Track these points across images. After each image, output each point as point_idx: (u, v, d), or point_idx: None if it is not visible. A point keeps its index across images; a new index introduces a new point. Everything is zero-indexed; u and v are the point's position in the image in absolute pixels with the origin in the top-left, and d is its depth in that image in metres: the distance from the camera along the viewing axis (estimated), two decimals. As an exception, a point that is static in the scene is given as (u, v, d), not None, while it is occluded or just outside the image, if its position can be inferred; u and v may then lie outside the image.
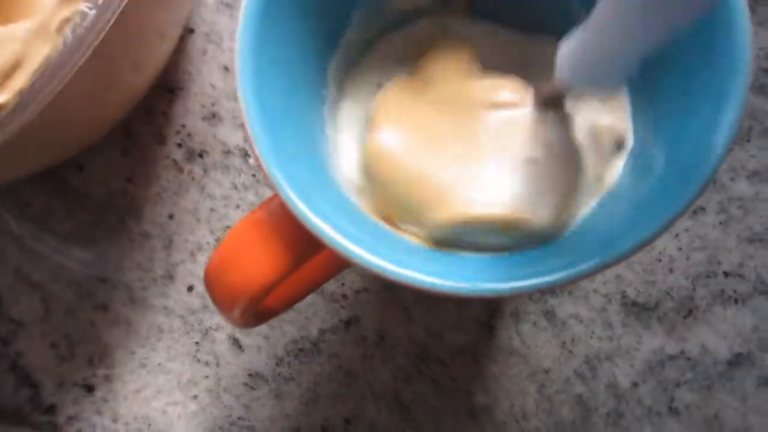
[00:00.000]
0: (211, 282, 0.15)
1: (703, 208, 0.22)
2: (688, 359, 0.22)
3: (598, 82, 0.13)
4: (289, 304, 0.17)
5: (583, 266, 0.12)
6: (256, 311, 0.15)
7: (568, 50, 0.13)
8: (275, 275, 0.14)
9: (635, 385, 0.22)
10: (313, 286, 0.17)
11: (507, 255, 0.14)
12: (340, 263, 0.16)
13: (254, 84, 0.13)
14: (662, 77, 0.14)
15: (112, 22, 0.17)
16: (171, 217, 0.24)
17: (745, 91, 0.12)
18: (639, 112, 0.15)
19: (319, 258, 0.15)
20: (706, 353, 0.22)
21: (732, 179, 0.22)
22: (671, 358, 0.22)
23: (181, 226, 0.24)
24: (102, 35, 0.17)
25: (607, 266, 0.12)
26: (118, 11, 0.17)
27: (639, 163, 0.15)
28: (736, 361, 0.21)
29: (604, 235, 0.13)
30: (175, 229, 0.24)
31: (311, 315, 0.23)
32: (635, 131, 0.15)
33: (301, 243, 0.13)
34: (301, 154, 0.14)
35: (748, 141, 0.22)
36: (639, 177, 0.14)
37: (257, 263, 0.14)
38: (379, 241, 0.14)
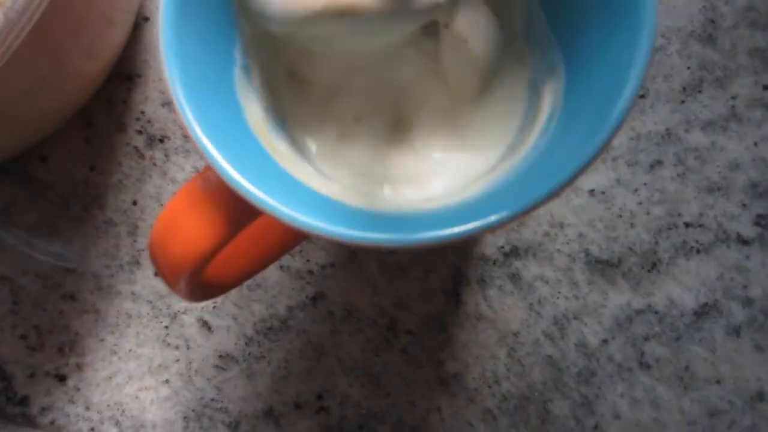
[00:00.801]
0: (153, 256, 0.15)
1: (660, 161, 0.22)
2: (656, 313, 0.22)
3: None
4: (241, 277, 0.17)
5: (489, 219, 0.12)
6: (202, 282, 0.15)
7: None
8: (213, 242, 0.14)
9: (605, 342, 0.22)
10: (266, 259, 0.17)
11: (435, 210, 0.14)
12: (283, 232, 0.16)
13: (177, 57, 0.13)
14: (572, 39, 0.15)
15: (44, 4, 0.17)
16: (135, 203, 0.24)
17: (643, 65, 0.12)
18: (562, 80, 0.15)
19: (265, 227, 0.15)
20: (672, 306, 0.22)
21: (687, 131, 0.22)
22: (638, 312, 0.22)
23: (145, 212, 0.24)
24: (35, 18, 0.17)
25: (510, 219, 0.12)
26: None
27: (555, 127, 0.15)
28: (703, 311, 0.21)
29: (515, 189, 0.13)
30: (139, 215, 0.24)
31: (278, 293, 0.23)
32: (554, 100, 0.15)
33: (237, 209, 0.13)
34: (223, 116, 0.14)
35: (700, 92, 0.22)
36: (552, 139, 0.14)
37: (194, 232, 0.14)
38: (307, 201, 0.14)
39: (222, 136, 0.14)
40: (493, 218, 0.12)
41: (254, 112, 0.15)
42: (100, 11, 0.21)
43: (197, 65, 0.14)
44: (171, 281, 0.15)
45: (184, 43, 0.14)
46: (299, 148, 0.17)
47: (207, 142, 0.13)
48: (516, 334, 0.22)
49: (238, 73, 0.16)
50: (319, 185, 0.15)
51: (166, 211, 0.15)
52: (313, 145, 0.17)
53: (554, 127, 0.14)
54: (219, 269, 0.16)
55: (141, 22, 0.25)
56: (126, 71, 0.25)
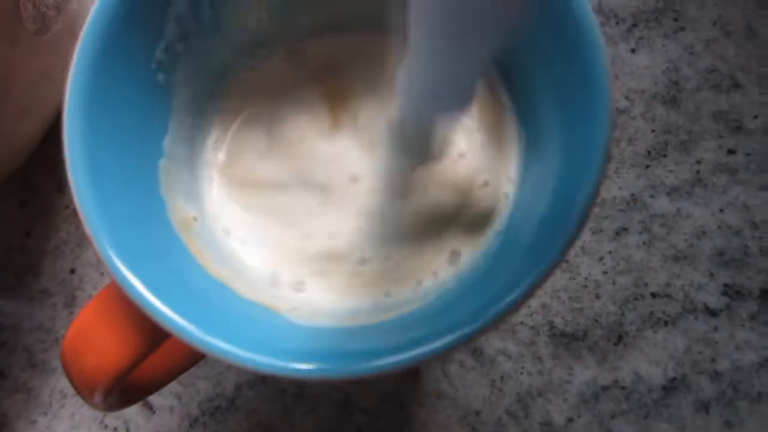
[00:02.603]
0: (65, 367, 0.13)
1: (625, 229, 0.21)
2: (623, 388, 0.21)
3: (435, 108, 0.13)
4: (165, 382, 0.15)
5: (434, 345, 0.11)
6: (121, 394, 0.14)
7: (402, 80, 0.12)
8: (129, 360, 0.12)
9: (570, 420, 0.21)
10: (192, 361, 0.16)
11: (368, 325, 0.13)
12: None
13: (84, 147, 0.12)
14: (533, 136, 0.14)
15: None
16: (73, 271, 0.22)
17: (602, 155, 0.11)
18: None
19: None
20: (639, 381, 0.21)
21: (652, 196, 0.21)
22: (605, 389, 0.21)
23: (83, 281, 0.22)
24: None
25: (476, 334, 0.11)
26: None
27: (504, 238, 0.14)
28: (671, 386, 0.21)
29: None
30: (77, 284, 0.22)
31: (226, 369, 0.21)
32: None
33: (154, 324, 0.12)
34: (140, 216, 0.13)
35: (665, 156, 0.22)
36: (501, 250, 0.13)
37: (109, 348, 0.12)
38: (235, 320, 0.12)
39: (134, 243, 0.12)
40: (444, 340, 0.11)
41: (180, 208, 0.14)
42: (30, 69, 0.20)
43: (110, 157, 0.13)
44: (85, 396, 0.14)
45: (95, 132, 0.13)
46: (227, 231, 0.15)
47: (112, 257, 0.12)
48: (478, 413, 0.21)
49: (164, 165, 0.14)
50: (244, 288, 0.13)
51: (79, 322, 0.13)
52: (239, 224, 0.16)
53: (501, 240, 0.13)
54: (137, 378, 0.14)
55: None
56: (65, 129, 0.23)
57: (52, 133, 0.23)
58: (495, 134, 0.15)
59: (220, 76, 0.16)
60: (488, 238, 0.14)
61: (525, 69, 0.14)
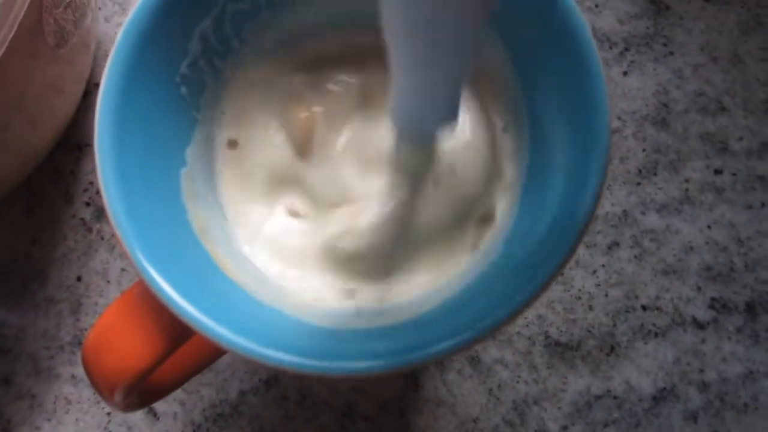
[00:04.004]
0: (86, 366, 0.14)
1: (617, 243, 0.22)
2: (615, 398, 0.21)
3: (421, 127, 0.14)
4: (181, 381, 0.16)
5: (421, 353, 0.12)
6: (140, 394, 0.14)
7: (391, 103, 0.13)
8: (151, 360, 0.13)
9: (564, 428, 0.21)
10: (209, 361, 0.17)
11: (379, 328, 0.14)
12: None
13: (114, 154, 0.13)
14: (534, 155, 0.15)
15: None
16: (79, 279, 0.23)
17: (601, 178, 0.12)
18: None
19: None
20: (631, 390, 0.21)
21: (643, 213, 0.22)
22: (597, 398, 0.21)
23: (89, 288, 0.23)
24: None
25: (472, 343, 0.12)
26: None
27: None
28: (661, 396, 0.21)
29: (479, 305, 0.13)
30: (83, 292, 0.23)
31: (229, 376, 0.22)
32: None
33: (176, 323, 0.13)
34: (164, 220, 0.13)
35: (655, 174, 0.23)
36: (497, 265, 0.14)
37: (131, 348, 0.13)
38: (252, 320, 0.13)
39: (160, 245, 0.13)
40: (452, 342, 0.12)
41: (201, 215, 0.15)
42: (45, 81, 0.20)
43: (137, 164, 0.14)
44: (105, 395, 0.14)
45: (123, 141, 0.14)
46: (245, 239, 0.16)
47: (141, 259, 0.12)
48: (475, 420, 0.21)
49: (185, 174, 0.15)
50: (263, 293, 0.14)
51: (102, 321, 0.14)
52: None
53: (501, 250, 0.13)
54: (156, 378, 0.15)
55: (92, 88, 0.24)
56: (75, 140, 0.24)
57: (60, 143, 0.24)
58: (494, 152, 0.16)
59: (236, 90, 0.16)
60: (489, 252, 0.14)
61: (534, 94, 0.15)
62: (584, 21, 0.13)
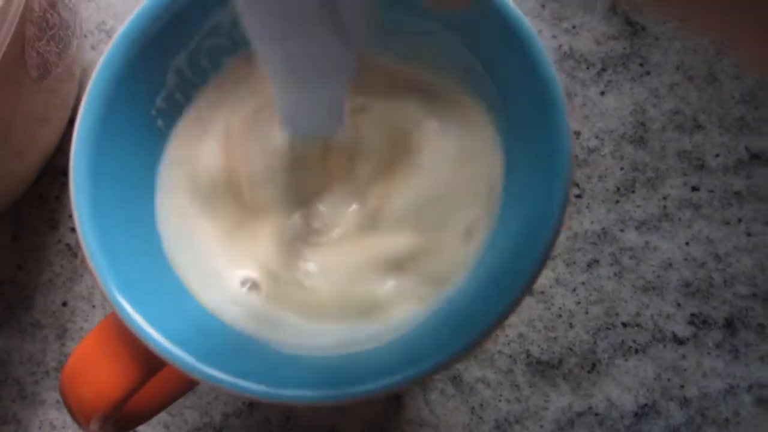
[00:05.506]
0: (63, 395, 0.14)
1: (597, 261, 0.22)
2: (596, 415, 0.21)
3: (308, 130, 0.15)
4: (160, 408, 0.16)
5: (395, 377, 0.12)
6: (115, 423, 0.14)
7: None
8: (125, 389, 0.13)
9: (547, 446, 0.21)
10: (186, 389, 0.17)
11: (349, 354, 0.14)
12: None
13: (88, 181, 0.13)
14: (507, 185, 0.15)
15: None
16: (64, 304, 0.23)
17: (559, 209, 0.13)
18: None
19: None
20: (612, 407, 0.21)
21: (622, 230, 0.23)
22: (579, 415, 0.21)
23: (75, 313, 0.23)
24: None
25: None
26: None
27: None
28: (642, 412, 0.21)
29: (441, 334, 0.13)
30: (69, 317, 0.23)
31: (213, 399, 0.22)
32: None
33: (151, 354, 0.13)
34: (138, 249, 0.14)
35: (633, 192, 0.23)
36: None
37: (106, 378, 0.13)
38: (220, 347, 0.13)
39: (134, 276, 0.13)
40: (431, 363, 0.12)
41: (175, 244, 0.15)
42: (29, 111, 0.21)
43: (113, 196, 0.14)
44: (82, 424, 0.14)
45: (99, 174, 0.14)
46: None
47: (114, 292, 0.13)
48: (459, 440, 0.21)
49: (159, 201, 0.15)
50: (237, 320, 0.14)
51: (78, 352, 0.14)
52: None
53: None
54: (132, 406, 0.15)
55: (77, 115, 0.24)
56: (60, 166, 0.24)
57: (46, 170, 0.24)
58: (471, 176, 0.16)
59: (210, 122, 0.17)
60: (460, 276, 0.15)
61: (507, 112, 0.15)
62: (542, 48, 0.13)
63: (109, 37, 0.26)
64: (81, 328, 0.23)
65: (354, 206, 0.16)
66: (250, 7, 0.10)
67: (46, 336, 0.23)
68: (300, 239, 0.16)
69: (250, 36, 0.11)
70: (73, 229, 0.24)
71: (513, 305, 0.12)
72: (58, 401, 0.22)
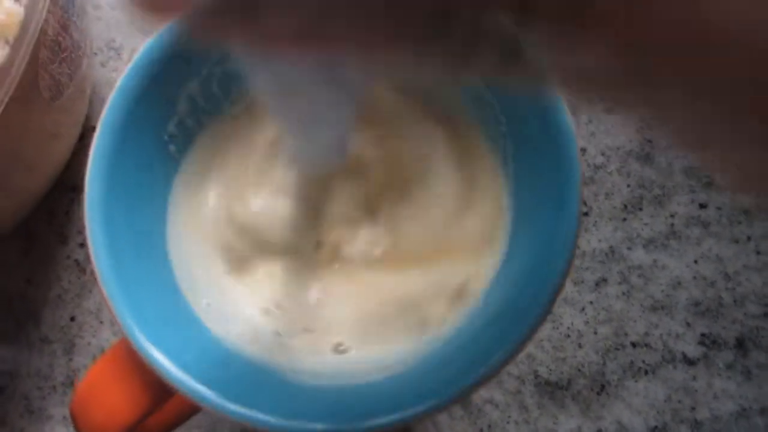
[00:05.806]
0: (74, 418, 0.14)
1: (605, 280, 0.22)
2: (606, 437, 0.21)
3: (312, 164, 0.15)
4: (170, 429, 0.16)
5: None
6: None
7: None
8: (136, 415, 0.13)
9: (555, 468, 0.21)
10: (194, 412, 0.17)
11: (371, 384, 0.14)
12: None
13: (102, 213, 0.13)
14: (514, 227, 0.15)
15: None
16: (73, 319, 0.23)
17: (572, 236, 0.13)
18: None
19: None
20: (622, 430, 0.21)
21: (629, 248, 0.22)
22: (588, 436, 0.21)
23: (83, 328, 0.23)
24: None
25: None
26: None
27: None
28: (653, 435, 0.21)
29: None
30: (77, 332, 0.23)
31: (218, 419, 0.22)
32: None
33: (161, 381, 0.13)
34: (151, 277, 0.14)
35: (641, 209, 0.23)
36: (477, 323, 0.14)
37: (117, 404, 0.13)
38: (230, 377, 0.13)
39: (145, 305, 0.13)
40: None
41: (186, 271, 0.15)
42: (41, 130, 0.21)
43: (125, 224, 0.14)
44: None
45: (112, 203, 0.14)
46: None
47: (129, 322, 0.13)
48: (466, 461, 0.21)
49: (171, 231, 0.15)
50: (248, 348, 0.14)
51: (90, 377, 0.14)
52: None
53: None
54: (143, 429, 0.15)
55: (87, 131, 0.25)
56: (70, 182, 0.24)
57: (55, 186, 0.24)
58: (480, 212, 0.17)
59: (222, 151, 0.17)
60: (470, 308, 0.15)
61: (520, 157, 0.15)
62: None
63: (119, 55, 0.26)
64: (89, 344, 0.23)
65: (362, 237, 0.16)
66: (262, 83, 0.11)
67: (54, 351, 0.23)
68: (309, 269, 0.16)
69: (257, 95, 0.11)
70: (81, 245, 0.24)
71: (525, 340, 0.12)
72: (65, 417, 0.22)
